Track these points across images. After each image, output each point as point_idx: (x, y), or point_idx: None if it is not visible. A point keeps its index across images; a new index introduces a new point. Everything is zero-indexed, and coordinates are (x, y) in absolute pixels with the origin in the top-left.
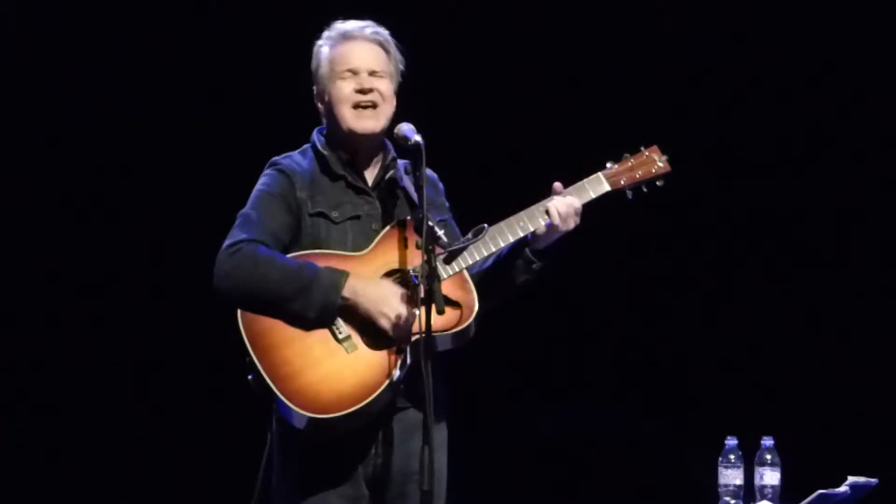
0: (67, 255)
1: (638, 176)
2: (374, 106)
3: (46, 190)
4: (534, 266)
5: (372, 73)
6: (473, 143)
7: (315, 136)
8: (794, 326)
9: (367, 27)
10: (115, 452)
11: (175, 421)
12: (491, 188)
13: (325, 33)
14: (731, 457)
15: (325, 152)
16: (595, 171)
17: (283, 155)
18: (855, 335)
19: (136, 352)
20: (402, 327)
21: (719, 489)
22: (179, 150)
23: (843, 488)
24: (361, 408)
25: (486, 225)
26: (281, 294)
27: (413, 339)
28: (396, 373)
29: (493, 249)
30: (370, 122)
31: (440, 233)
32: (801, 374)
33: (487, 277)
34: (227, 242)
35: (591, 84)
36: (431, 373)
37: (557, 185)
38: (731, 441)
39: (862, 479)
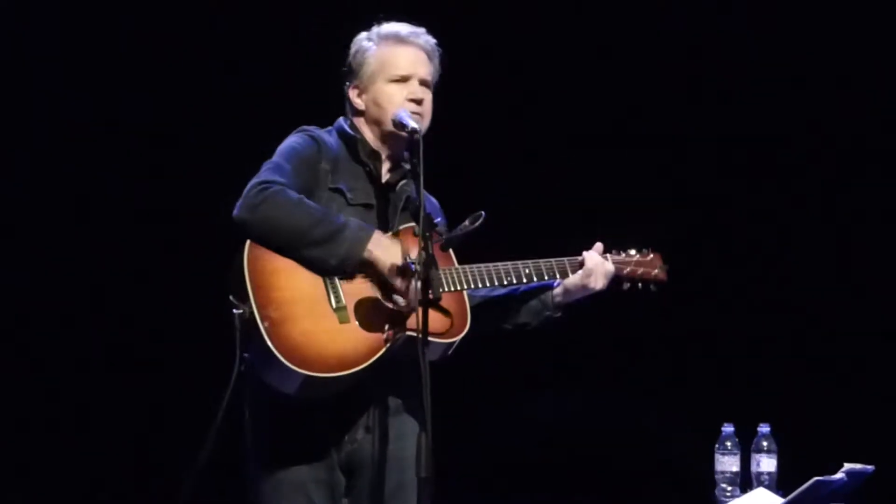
0: (60, 254)
1: (639, 273)
2: (420, 115)
3: (44, 189)
4: (547, 313)
5: (422, 83)
6: (469, 144)
7: (342, 122)
8: (791, 313)
9: (421, 34)
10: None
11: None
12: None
13: (373, 31)
14: (728, 444)
15: (356, 136)
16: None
17: (312, 126)
18: (852, 322)
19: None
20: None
21: (716, 476)
22: (171, 150)
23: (839, 475)
24: (329, 377)
25: (483, 213)
26: (306, 236)
27: (399, 335)
28: (380, 353)
29: (515, 282)
30: (415, 125)
31: (437, 220)
32: (798, 360)
33: (497, 303)
34: (256, 180)
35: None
36: (412, 364)
37: (599, 245)
38: (728, 428)
39: (858, 466)
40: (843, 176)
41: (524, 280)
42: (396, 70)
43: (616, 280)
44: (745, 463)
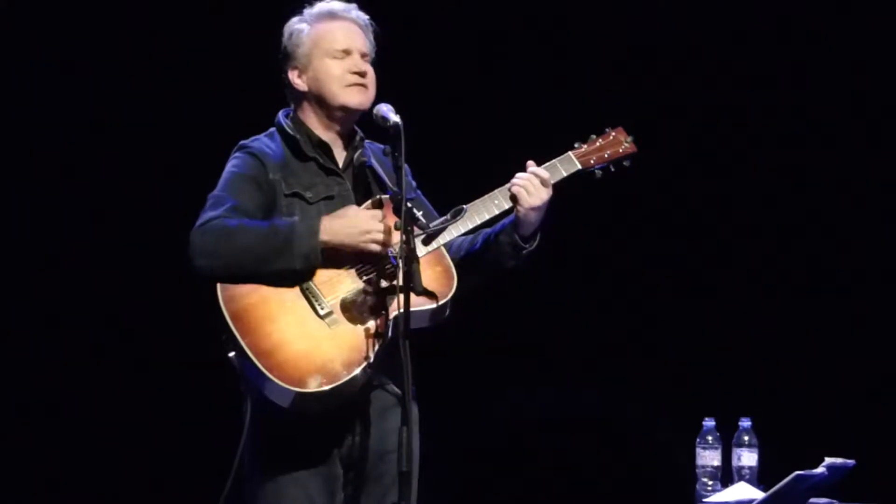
0: (55, 251)
1: (606, 156)
2: (365, 87)
3: (42, 186)
4: (522, 251)
5: (362, 56)
6: (441, 124)
7: (281, 118)
8: (771, 307)
9: (353, 9)
10: (94, 445)
11: (147, 410)
12: (459, 170)
13: (304, 13)
14: (709, 438)
15: (296, 135)
16: (564, 152)
17: (251, 138)
18: (832, 315)
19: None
20: (386, 244)
21: (697, 470)
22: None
23: (820, 469)
24: (344, 382)
25: (465, 207)
26: (261, 254)
27: (392, 315)
28: (380, 344)
29: (470, 226)
30: (362, 97)
31: (419, 214)
32: (779, 355)
33: (476, 260)
34: (197, 223)
35: (557, 66)
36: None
37: (530, 162)
38: (709, 422)
39: (839, 461)
40: (836, 174)
41: (485, 215)
42: (334, 45)
43: (587, 173)
44: (727, 457)
